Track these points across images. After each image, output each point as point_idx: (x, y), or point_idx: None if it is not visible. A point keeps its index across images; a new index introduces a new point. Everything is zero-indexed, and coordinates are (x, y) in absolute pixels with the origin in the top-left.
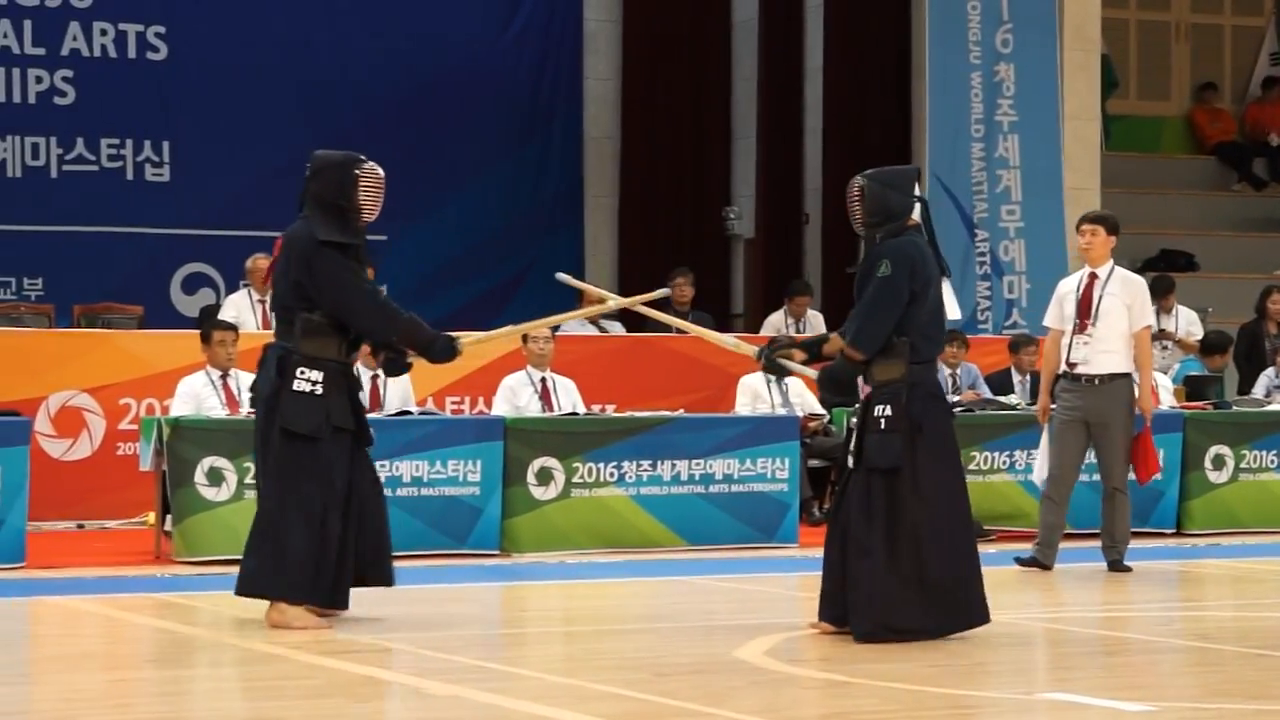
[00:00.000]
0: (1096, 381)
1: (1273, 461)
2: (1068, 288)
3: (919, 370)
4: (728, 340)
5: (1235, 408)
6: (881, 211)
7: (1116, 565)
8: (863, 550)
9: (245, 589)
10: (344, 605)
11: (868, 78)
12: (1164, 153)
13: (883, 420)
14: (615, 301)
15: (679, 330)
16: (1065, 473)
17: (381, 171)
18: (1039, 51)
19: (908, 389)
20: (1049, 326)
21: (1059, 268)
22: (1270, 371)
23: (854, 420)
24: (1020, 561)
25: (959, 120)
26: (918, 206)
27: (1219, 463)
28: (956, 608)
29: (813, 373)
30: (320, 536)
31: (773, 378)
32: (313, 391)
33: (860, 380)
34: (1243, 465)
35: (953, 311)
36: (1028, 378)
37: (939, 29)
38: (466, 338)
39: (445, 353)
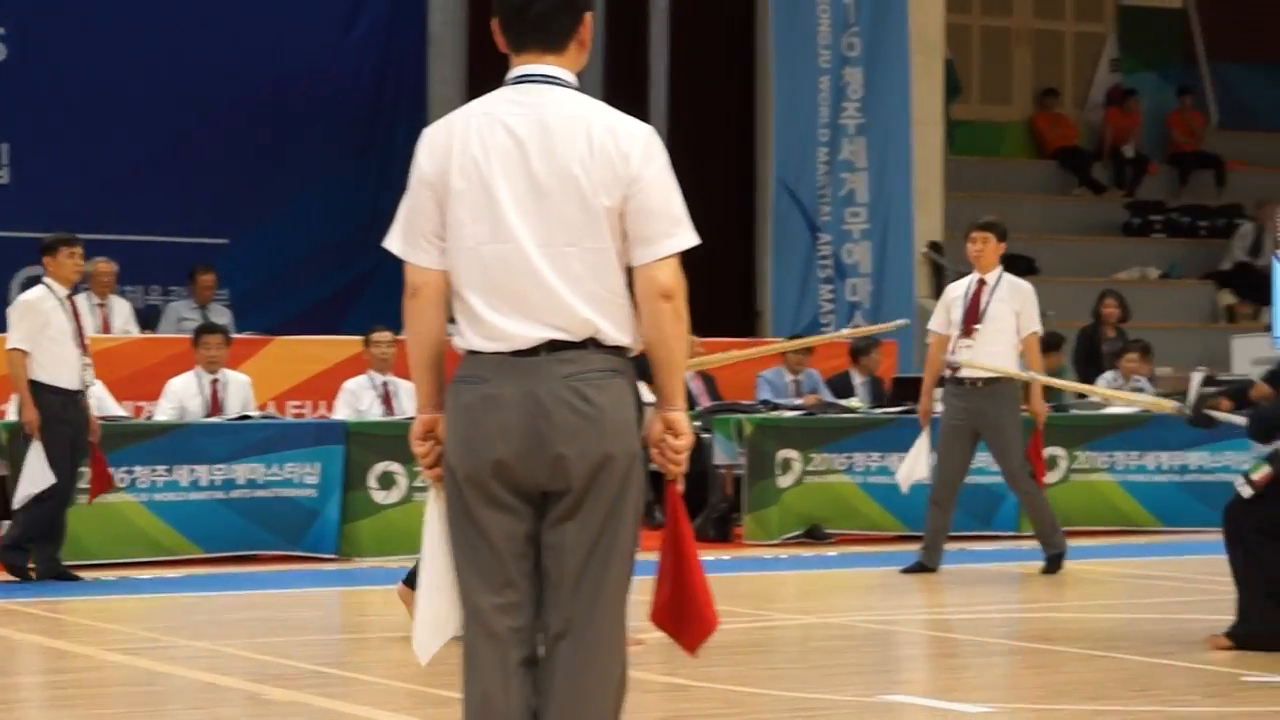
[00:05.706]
0: (980, 384)
1: (1104, 463)
2: (955, 293)
3: None
4: (1144, 398)
5: (1072, 410)
6: None
7: (1060, 559)
8: None
9: None
10: None
11: (712, 83)
12: (1006, 157)
13: None
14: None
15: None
16: (951, 477)
17: None
18: (887, 55)
19: None
20: (934, 331)
21: (905, 271)
22: (1109, 375)
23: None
24: (905, 570)
25: (805, 124)
26: None
27: (1051, 464)
28: None
29: (1241, 420)
30: None
31: None
32: None
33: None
34: (1075, 466)
35: None
36: (868, 380)
37: (785, 33)
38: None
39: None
